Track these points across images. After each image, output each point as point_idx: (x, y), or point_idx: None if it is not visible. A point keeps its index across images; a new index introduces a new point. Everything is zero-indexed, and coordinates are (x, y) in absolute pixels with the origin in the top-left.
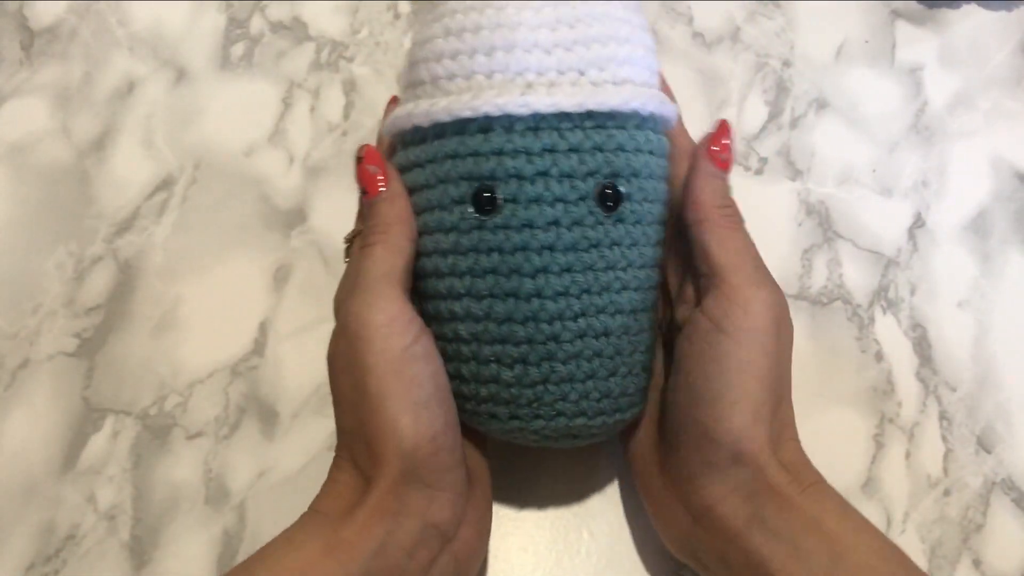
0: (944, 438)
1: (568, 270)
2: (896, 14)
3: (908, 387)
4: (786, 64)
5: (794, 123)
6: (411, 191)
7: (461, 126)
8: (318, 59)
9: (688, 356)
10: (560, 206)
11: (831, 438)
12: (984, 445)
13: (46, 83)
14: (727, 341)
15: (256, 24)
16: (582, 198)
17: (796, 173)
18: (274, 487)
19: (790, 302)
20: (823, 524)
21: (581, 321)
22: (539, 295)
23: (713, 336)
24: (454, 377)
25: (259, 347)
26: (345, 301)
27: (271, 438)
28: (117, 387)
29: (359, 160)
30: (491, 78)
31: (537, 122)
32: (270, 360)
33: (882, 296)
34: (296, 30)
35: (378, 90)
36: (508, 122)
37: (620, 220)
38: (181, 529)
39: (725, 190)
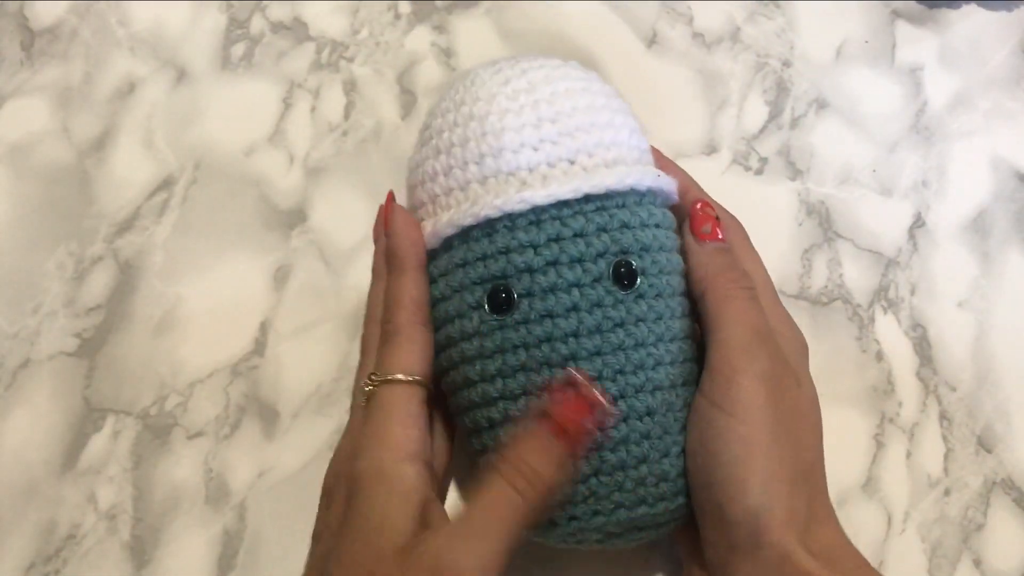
0: (944, 438)
1: (598, 353)
2: (896, 14)
3: (908, 387)
4: (786, 64)
5: (794, 123)
6: (430, 307)
7: (466, 235)
8: (318, 59)
9: (695, 437)
10: (576, 291)
11: (831, 438)
12: (984, 445)
13: (46, 83)
14: (724, 418)
15: (256, 24)
16: (597, 279)
17: (796, 173)
18: (274, 487)
19: (790, 302)
20: None
21: (621, 404)
22: None
23: (712, 414)
24: None
25: (259, 347)
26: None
27: (271, 438)
28: (117, 387)
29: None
30: (485, 184)
31: (538, 215)
32: (270, 360)
33: (882, 296)
34: (296, 30)
35: (378, 90)
36: (510, 221)
37: (640, 296)
38: (181, 529)
39: (728, 260)
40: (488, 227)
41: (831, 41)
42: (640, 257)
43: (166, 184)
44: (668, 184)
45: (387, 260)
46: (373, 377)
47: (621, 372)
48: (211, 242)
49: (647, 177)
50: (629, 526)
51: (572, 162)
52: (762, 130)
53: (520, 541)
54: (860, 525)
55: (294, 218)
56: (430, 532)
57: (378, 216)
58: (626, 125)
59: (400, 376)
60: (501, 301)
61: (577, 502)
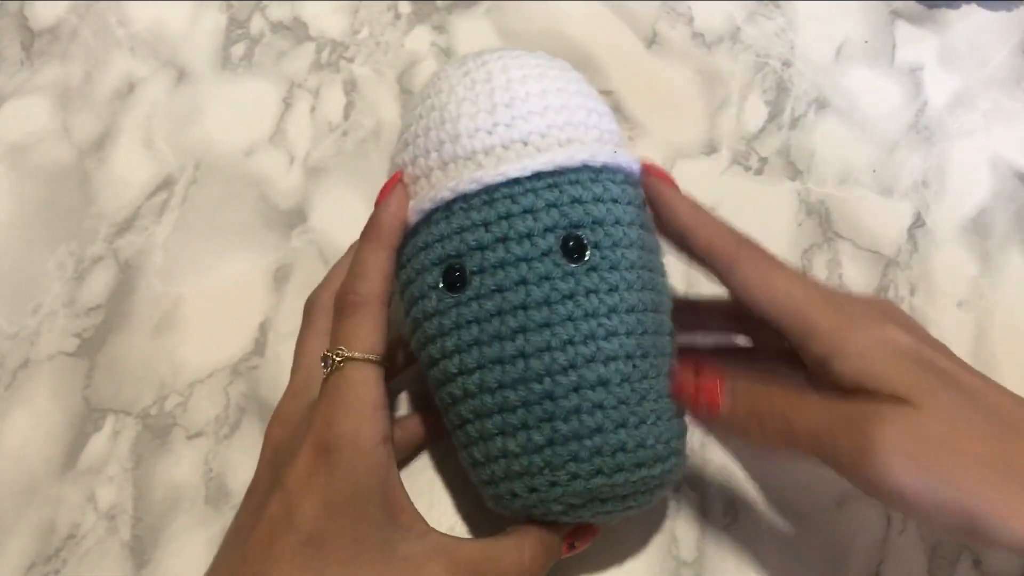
0: None
1: (547, 324)
2: (896, 14)
3: None
4: (786, 64)
5: (794, 123)
6: (401, 293)
7: (428, 219)
8: (318, 59)
9: None
10: (524, 265)
11: None
12: None
13: (47, 83)
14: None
15: (256, 24)
16: (545, 253)
17: (796, 173)
18: None
19: None
20: None
21: (572, 374)
22: (523, 355)
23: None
24: (473, 465)
25: (259, 347)
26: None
27: None
28: (117, 387)
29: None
30: (445, 169)
31: (491, 194)
32: (270, 360)
33: (882, 296)
34: (296, 30)
35: (378, 90)
36: (465, 202)
37: (592, 268)
38: (181, 529)
39: (724, 225)
40: (446, 209)
41: (831, 41)
42: (592, 231)
43: (166, 184)
44: (627, 161)
45: (368, 229)
46: (339, 350)
47: (571, 342)
48: (211, 242)
49: (601, 153)
50: (589, 497)
51: (525, 143)
52: (762, 130)
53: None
54: (860, 525)
55: (294, 218)
56: (430, 550)
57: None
58: (584, 106)
59: (372, 356)
60: (455, 279)
61: (534, 473)
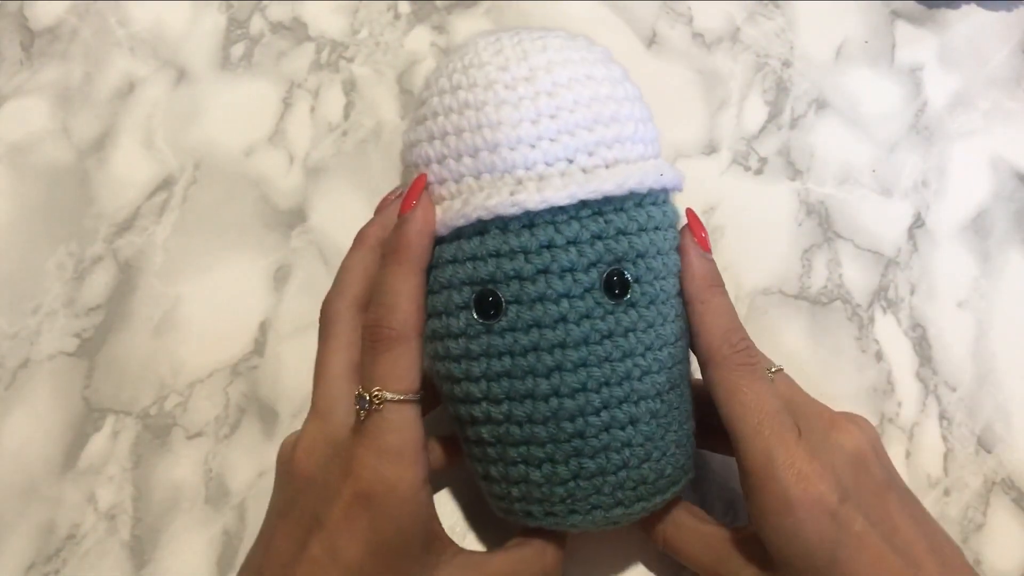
0: (944, 438)
1: (583, 365)
2: (896, 14)
3: (908, 387)
4: (786, 64)
5: (794, 123)
6: None
7: (458, 232)
8: (318, 59)
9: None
10: (565, 302)
11: None
12: (984, 445)
13: (46, 83)
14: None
15: (256, 24)
16: (587, 290)
17: (796, 173)
18: None
19: (790, 302)
20: None
21: (604, 415)
22: (557, 394)
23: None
24: (484, 477)
25: (259, 347)
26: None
27: (271, 438)
28: (117, 387)
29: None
30: (479, 179)
31: (532, 219)
32: (270, 360)
33: (882, 296)
34: (296, 30)
35: (378, 90)
36: (502, 223)
37: (632, 305)
38: (181, 529)
39: (727, 312)
40: (480, 227)
41: (831, 41)
42: (635, 264)
43: (166, 184)
44: (672, 180)
45: (395, 247)
46: (377, 391)
47: (607, 384)
48: (211, 242)
49: (648, 178)
50: (604, 524)
51: (571, 161)
52: (762, 130)
53: None
54: None
55: (294, 218)
56: (458, 567)
57: (399, 192)
58: (632, 117)
59: (411, 396)
60: (488, 306)
61: (555, 502)
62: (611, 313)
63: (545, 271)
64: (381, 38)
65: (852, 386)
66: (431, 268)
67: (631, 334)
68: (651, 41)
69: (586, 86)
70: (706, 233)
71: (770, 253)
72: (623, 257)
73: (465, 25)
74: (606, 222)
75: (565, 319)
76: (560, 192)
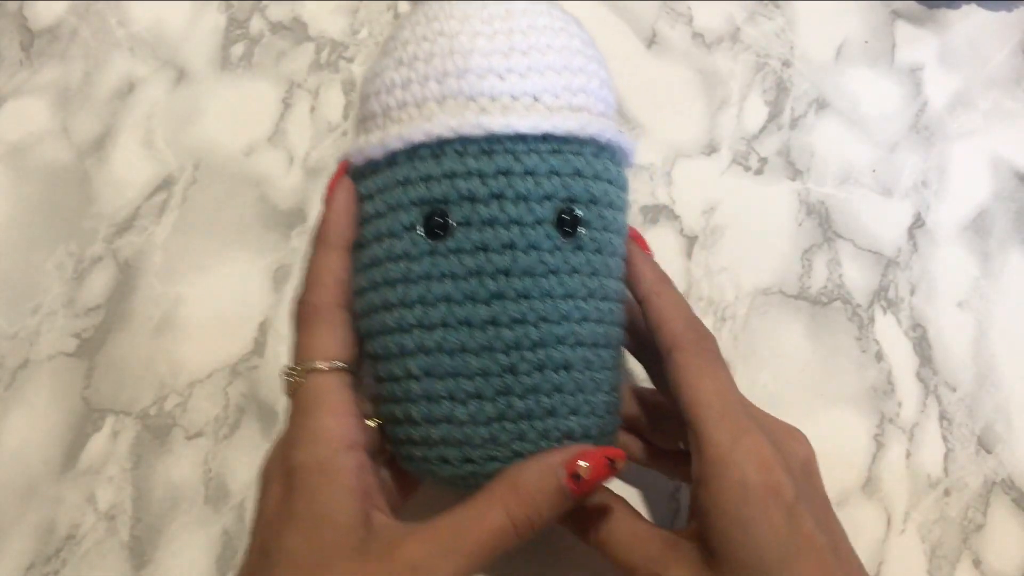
0: (944, 438)
1: (525, 296)
2: (896, 14)
3: (908, 387)
4: (786, 64)
5: (794, 123)
6: (362, 223)
7: (413, 152)
8: (318, 59)
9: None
10: (516, 228)
11: (831, 438)
12: (984, 445)
13: (46, 83)
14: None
15: (256, 24)
16: (539, 221)
17: (796, 173)
18: None
19: (790, 302)
20: None
21: (540, 352)
22: (494, 323)
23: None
24: (403, 421)
25: (259, 347)
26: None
27: (271, 438)
28: (117, 387)
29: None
30: (443, 104)
31: (491, 144)
32: (270, 360)
33: (882, 296)
34: (296, 30)
35: None
36: (461, 145)
37: (579, 247)
38: (181, 529)
39: (683, 306)
40: (438, 148)
41: (831, 41)
42: (587, 208)
43: (166, 184)
44: (629, 145)
45: (320, 231)
46: (296, 367)
47: (545, 320)
48: (211, 242)
49: (609, 130)
50: None
51: (536, 99)
52: (762, 130)
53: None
54: (860, 525)
55: (294, 218)
56: (406, 531)
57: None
58: (598, 75)
59: (323, 365)
60: (436, 225)
61: (476, 445)
62: (559, 249)
63: (499, 196)
64: (381, 38)
65: (852, 386)
66: (378, 192)
67: (576, 275)
68: (651, 41)
69: (559, 35)
70: (649, 251)
71: (770, 253)
72: (577, 198)
73: None
74: (564, 160)
75: (513, 245)
76: (524, 119)
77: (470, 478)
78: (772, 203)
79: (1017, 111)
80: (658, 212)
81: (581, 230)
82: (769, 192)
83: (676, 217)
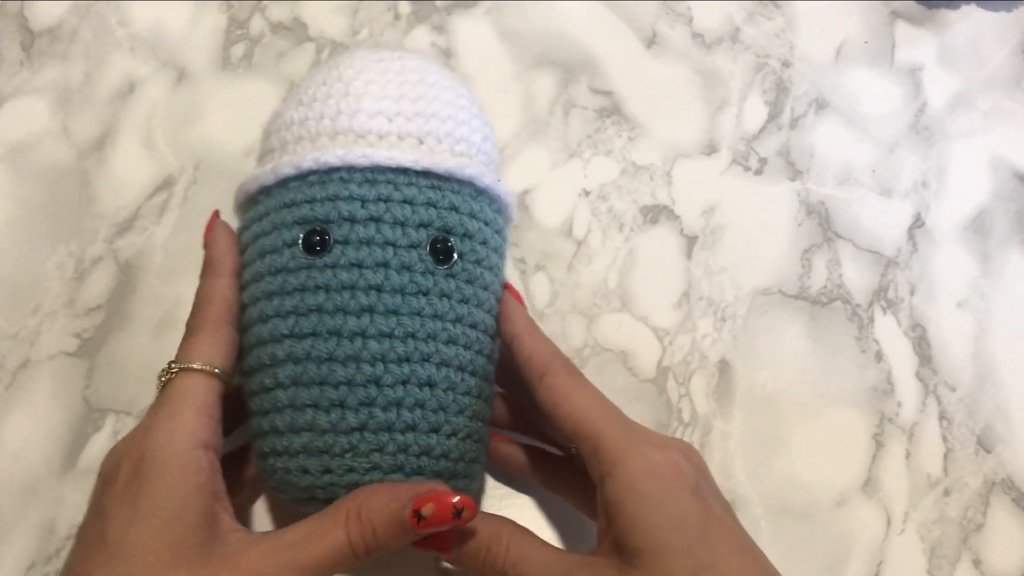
0: (944, 438)
1: (395, 312)
2: (896, 14)
3: (908, 387)
4: (786, 64)
5: (794, 123)
6: (248, 245)
7: (303, 178)
8: (318, 60)
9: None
10: (391, 249)
11: (831, 438)
12: (984, 445)
13: (47, 83)
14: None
15: (256, 25)
16: (413, 246)
17: (796, 173)
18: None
19: (790, 302)
20: None
21: (405, 367)
22: (363, 335)
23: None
24: (268, 432)
25: None
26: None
27: None
28: (117, 387)
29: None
30: (334, 139)
31: (375, 174)
32: None
33: (882, 296)
34: (296, 31)
35: None
36: (347, 173)
37: (452, 275)
38: None
39: (549, 343)
40: (325, 174)
41: (831, 41)
42: (461, 241)
43: (166, 184)
44: (506, 194)
45: (205, 263)
46: (171, 365)
47: (412, 336)
48: None
49: (488, 176)
50: None
51: (421, 141)
52: (762, 130)
53: None
54: (860, 525)
55: None
56: (251, 540)
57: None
58: (481, 131)
59: (198, 365)
60: (315, 242)
61: (335, 454)
62: (431, 273)
63: (377, 219)
64: (381, 38)
65: (852, 386)
66: (266, 215)
67: (446, 299)
68: (651, 41)
69: (447, 92)
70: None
71: (770, 253)
72: (452, 230)
73: (465, 26)
74: (442, 195)
75: (387, 264)
76: (407, 154)
77: (329, 488)
78: (772, 203)
79: (1017, 111)
80: (658, 212)
81: (455, 259)
82: (769, 192)
83: (676, 217)
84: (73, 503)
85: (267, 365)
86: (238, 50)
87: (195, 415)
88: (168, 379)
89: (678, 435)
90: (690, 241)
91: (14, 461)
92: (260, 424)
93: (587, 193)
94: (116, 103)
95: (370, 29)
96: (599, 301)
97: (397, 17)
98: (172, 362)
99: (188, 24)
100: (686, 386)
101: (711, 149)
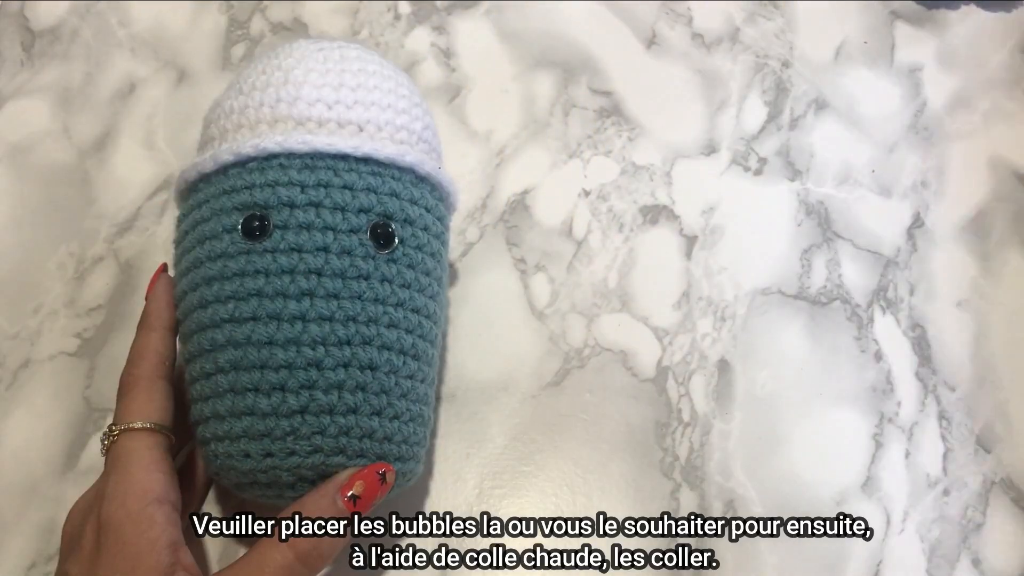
0: (943, 438)
1: (335, 296)
2: (895, 15)
3: (907, 387)
4: (785, 65)
5: (793, 123)
6: (187, 232)
7: (243, 165)
8: None
9: None
10: (331, 234)
11: (831, 438)
12: (983, 445)
13: (47, 84)
14: None
15: (257, 25)
16: (353, 230)
17: (795, 173)
18: None
19: (790, 302)
20: None
21: (346, 350)
22: (303, 318)
23: None
24: (210, 418)
25: None
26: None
27: None
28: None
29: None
30: (274, 126)
31: (315, 160)
32: None
33: (881, 296)
34: (296, 31)
35: None
36: (287, 159)
37: (393, 260)
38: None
39: None
40: (265, 161)
41: (830, 42)
42: (402, 227)
43: (167, 184)
44: (448, 182)
45: (143, 318)
46: (112, 427)
47: (353, 319)
48: None
49: (429, 164)
50: (322, 473)
51: (361, 129)
52: (761, 130)
53: None
54: (860, 525)
55: None
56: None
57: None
58: (421, 120)
59: (138, 424)
60: (254, 228)
61: (276, 437)
62: (372, 258)
63: (317, 204)
64: (381, 39)
65: (851, 386)
66: (205, 202)
67: (387, 283)
68: (651, 41)
69: (387, 81)
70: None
71: (770, 253)
72: (392, 216)
73: (465, 26)
74: (382, 181)
75: (327, 249)
76: (347, 141)
77: (270, 472)
78: (771, 203)
79: (1016, 111)
80: (658, 212)
81: (396, 244)
82: (768, 192)
83: (676, 217)
84: (73, 503)
85: (207, 350)
86: (238, 50)
87: (144, 473)
88: (111, 442)
89: (678, 435)
90: (690, 241)
91: (14, 461)
92: (201, 410)
93: (587, 193)
94: (117, 103)
95: (370, 29)
96: (599, 301)
97: (397, 17)
98: (111, 425)
99: (189, 24)
100: (686, 386)
101: (711, 149)
